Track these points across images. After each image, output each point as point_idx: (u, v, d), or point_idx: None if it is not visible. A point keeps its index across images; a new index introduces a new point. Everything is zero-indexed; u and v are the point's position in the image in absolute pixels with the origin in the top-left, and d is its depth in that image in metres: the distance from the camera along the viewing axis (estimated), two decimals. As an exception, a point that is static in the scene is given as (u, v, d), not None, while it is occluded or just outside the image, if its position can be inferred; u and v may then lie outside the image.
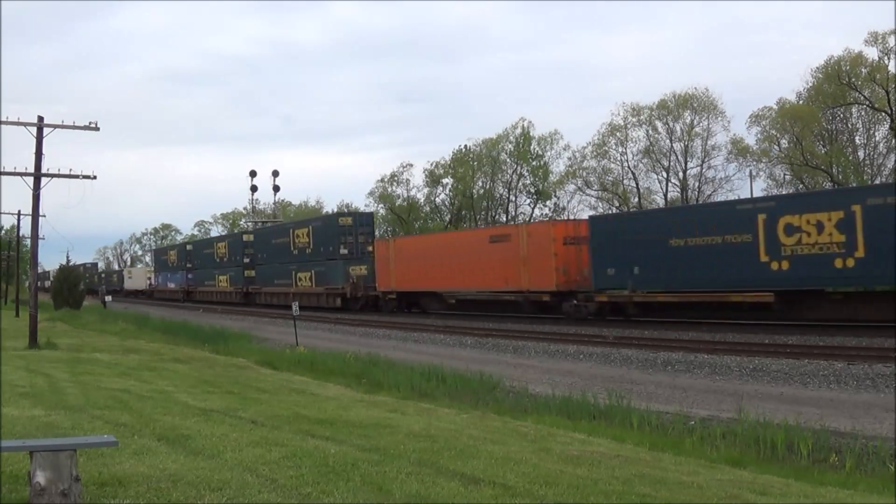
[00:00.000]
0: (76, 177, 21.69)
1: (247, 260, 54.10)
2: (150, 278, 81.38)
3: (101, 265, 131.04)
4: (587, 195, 60.23)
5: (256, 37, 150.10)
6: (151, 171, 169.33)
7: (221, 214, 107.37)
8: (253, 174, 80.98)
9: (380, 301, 37.24)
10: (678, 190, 57.08)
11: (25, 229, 47.09)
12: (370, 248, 39.80)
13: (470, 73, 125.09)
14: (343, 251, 40.44)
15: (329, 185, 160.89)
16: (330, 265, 40.81)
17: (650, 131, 57.23)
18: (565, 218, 53.53)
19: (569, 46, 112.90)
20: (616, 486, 5.70)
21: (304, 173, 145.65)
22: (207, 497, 4.78)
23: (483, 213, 67.06)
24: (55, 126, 20.96)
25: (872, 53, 45.35)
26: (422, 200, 71.83)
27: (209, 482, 5.10)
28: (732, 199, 42.41)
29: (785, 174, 50.41)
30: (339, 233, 40.96)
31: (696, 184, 56.12)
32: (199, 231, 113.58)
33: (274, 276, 48.49)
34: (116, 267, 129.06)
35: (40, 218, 22.24)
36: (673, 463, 7.40)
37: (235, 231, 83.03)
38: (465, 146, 67.78)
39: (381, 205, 74.29)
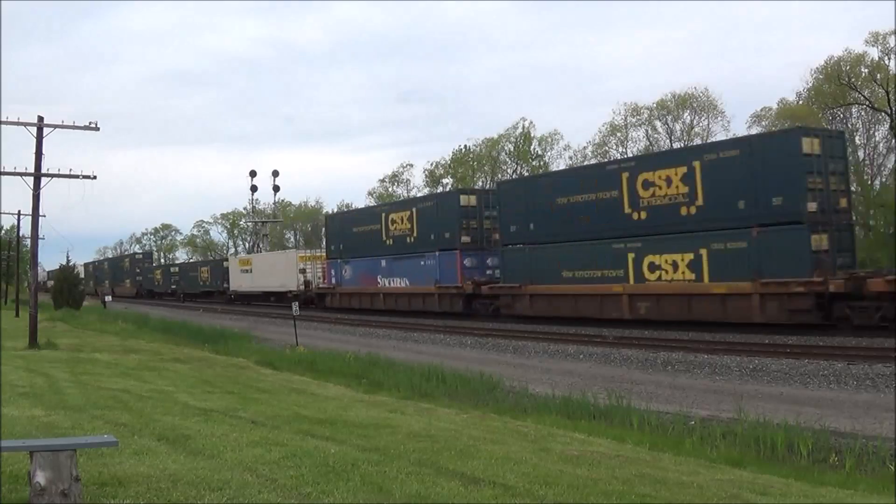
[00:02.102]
0: (76, 177, 21.70)
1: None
2: (305, 271, 44.90)
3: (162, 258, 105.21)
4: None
5: (257, 37, 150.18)
6: (151, 171, 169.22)
7: (221, 214, 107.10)
8: (253, 174, 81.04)
9: None
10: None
11: (25, 229, 47.17)
12: None
13: (470, 73, 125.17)
14: None
15: (329, 185, 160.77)
16: None
17: (650, 131, 57.30)
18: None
19: (569, 46, 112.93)
20: (616, 486, 5.70)
21: (304, 173, 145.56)
22: (207, 497, 4.78)
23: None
24: (55, 126, 20.96)
25: (873, 53, 45.39)
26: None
27: (209, 482, 5.10)
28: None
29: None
30: None
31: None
32: (199, 231, 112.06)
33: None
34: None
35: (40, 218, 22.23)
36: (673, 463, 7.40)
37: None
38: (465, 146, 67.88)
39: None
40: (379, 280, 36.39)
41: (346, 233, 39.91)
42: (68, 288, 53.36)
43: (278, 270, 48.09)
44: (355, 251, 38.62)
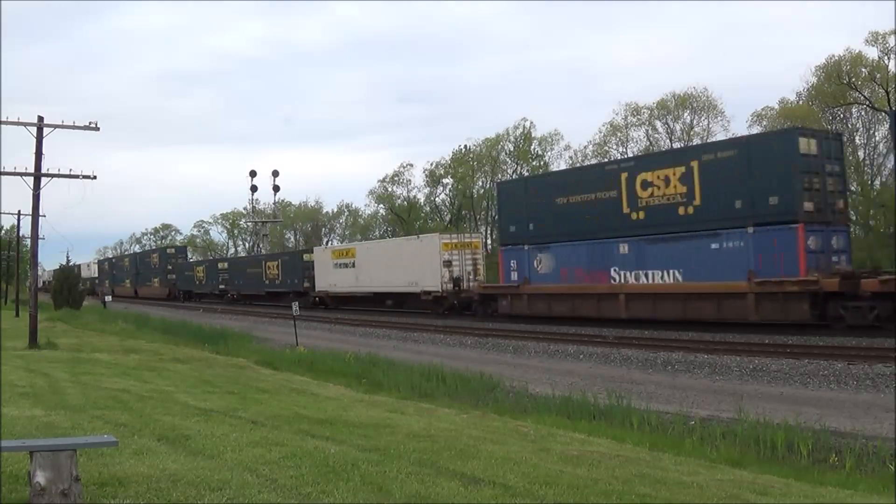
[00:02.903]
0: (76, 177, 21.72)
1: None
2: (451, 263, 32.57)
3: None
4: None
5: (257, 37, 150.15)
6: (151, 171, 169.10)
7: (221, 214, 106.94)
8: (253, 174, 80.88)
9: None
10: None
11: (25, 229, 47.18)
12: None
13: (470, 73, 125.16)
14: None
15: (329, 185, 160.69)
16: None
17: (650, 131, 57.34)
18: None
19: (569, 47, 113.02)
20: (616, 486, 5.70)
21: (304, 173, 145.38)
22: (207, 497, 4.78)
23: (483, 213, 67.07)
24: (55, 126, 20.98)
25: (873, 53, 45.41)
26: (422, 200, 71.99)
27: (209, 482, 5.10)
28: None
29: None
30: None
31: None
32: (199, 231, 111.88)
33: None
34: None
35: (40, 218, 22.24)
36: (673, 463, 7.40)
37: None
38: (465, 146, 67.86)
39: (381, 205, 74.65)
40: (613, 274, 24.62)
41: (541, 206, 27.16)
42: (68, 288, 53.37)
43: (405, 263, 34.78)
44: (560, 233, 26.32)
